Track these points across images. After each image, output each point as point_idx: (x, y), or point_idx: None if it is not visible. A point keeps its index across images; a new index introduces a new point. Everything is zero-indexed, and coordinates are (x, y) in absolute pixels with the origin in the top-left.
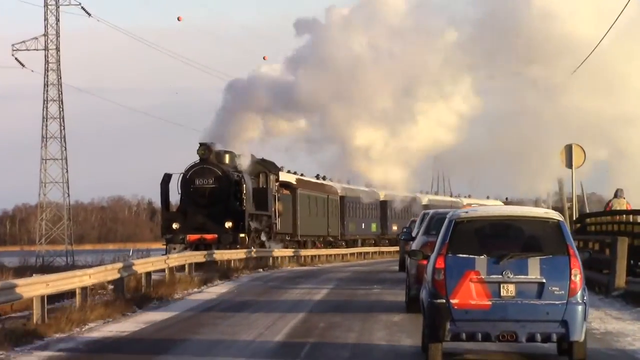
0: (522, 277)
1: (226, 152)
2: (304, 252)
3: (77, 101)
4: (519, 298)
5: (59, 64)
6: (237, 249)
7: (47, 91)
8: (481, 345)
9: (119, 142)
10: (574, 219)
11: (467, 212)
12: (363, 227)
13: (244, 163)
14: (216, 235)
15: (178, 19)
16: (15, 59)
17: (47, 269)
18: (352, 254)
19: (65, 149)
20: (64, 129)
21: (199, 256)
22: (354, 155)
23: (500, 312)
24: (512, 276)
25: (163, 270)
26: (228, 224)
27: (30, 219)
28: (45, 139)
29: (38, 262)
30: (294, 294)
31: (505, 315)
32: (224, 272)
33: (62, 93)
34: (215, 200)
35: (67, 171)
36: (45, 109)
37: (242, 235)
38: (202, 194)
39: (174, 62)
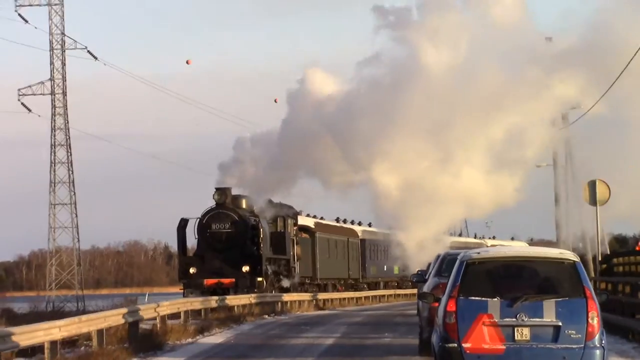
0: (537, 320)
1: (243, 196)
2: (320, 296)
3: (90, 147)
4: (534, 342)
5: (66, 108)
6: (255, 292)
7: (54, 136)
8: None
9: (133, 187)
10: (599, 259)
11: (479, 253)
12: (385, 269)
13: (262, 207)
14: (233, 280)
15: (187, 62)
16: (22, 103)
17: (56, 315)
18: (368, 297)
19: (74, 193)
20: (72, 173)
21: (195, 303)
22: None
23: (514, 357)
24: (526, 319)
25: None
26: (245, 268)
27: (46, 264)
28: (53, 184)
29: (48, 308)
30: (296, 345)
31: (520, 359)
32: (224, 319)
33: (69, 137)
34: (232, 244)
35: (76, 216)
36: (52, 153)
37: (259, 279)
38: (219, 238)
39: (184, 107)
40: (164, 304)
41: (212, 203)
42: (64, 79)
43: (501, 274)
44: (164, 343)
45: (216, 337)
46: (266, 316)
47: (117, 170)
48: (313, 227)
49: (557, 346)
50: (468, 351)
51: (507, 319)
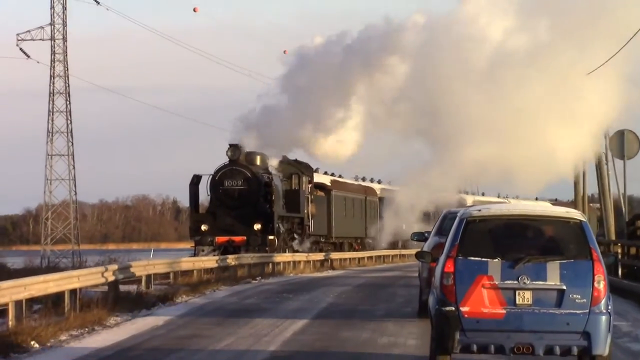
0: (539, 284)
1: (257, 153)
2: (313, 257)
3: (100, 99)
4: (536, 306)
5: (66, 55)
6: (266, 251)
7: (53, 83)
8: (494, 358)
9: (143, 141)
10: (627, 220)
11: (479, 210)
12: (404, 227)
13: (276, 164)
14: (245, 238)
15: (194, 10)
16: (20, 49)
17: (49, 270)
18: (372, 257)
19: (72, 144)
20: (70, 123)
21: (159, 266)
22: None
23: (515, 322)
24: (528, 282)
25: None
26: (257, 226)
27: (56, 218)
28: (51, 134)
29: (44, 263)
30: (246, 335)
31: (520, 325)
32: (196, 284)
33: (69, 85)
34: (244, 202)
35: (73, 167)
36: (51, 102)
37: (271, 237)
38: (231, 195)
39: (194, 59)
40: (134, 264)
41: (224, 159)
42: (64, 24)
43: (503, 233)
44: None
45: (155, 320)
46: (250, 280)
47: (127, 123)
48: (329, 184)
49: (561, 311)
50: (466, 315)
51: (508, 282)
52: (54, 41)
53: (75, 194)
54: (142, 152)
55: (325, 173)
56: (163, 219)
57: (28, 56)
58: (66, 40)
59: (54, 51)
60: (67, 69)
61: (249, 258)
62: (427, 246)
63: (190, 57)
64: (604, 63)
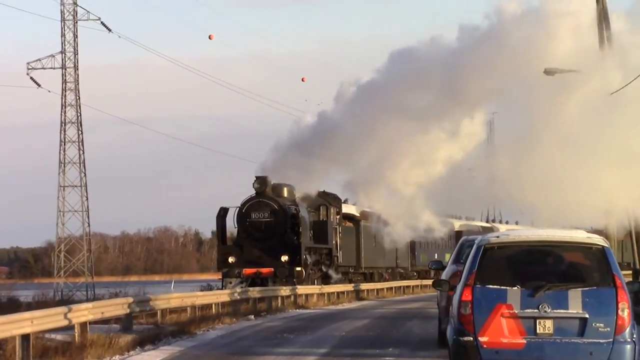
0: (561, 312)
1: (284, 185)
2: (327, 289)
3: (119, 131)
4: (558, 336)
5: (77, 84)
6: (294, 283)
7: (64, 113)
8: None
9: (164, 172)
10: None
11: (498, 237)
12: (436, 257)
13: (304, 196)
14: (272, 269)
15: (210, 37)
16: (31, 78)
17: (63, 303)
18: (400, 288)
19: (85, 174)
20: (83, 153)
21: (118, 306)
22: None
23: (536, 352)
24: (549, 310)
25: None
26: (284, 258)
27: (75, 250)
28: (63, 165)
29: (57, 296)
30: None
31: (542, 355)
32: (186, 323)
33: (80, 114)
34: (272, 233)
35: (87, 199)
36: (62, 132)
37: (298, 268)
38: (258, 227)
39: (212, 88)
40: (79, 307)
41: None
42: (75, 52)
43: (522, 260)
44: None
45: (149, 356)
46: (252, 317)
47: (147, 154)
48: (358, 215)
49: (584, 340)
50: (485, 345)
51: (528, 310)
52: (65, 69)
53: (89, 225)
54: (163, 184)
55: (354, 204)
56: (185, 250)
57: (39, 85)
58: (77, 69)
59: (65, 80)
60: (79, 98)
61: (255, 292)
62: (445, 274)
63: (208, 86)
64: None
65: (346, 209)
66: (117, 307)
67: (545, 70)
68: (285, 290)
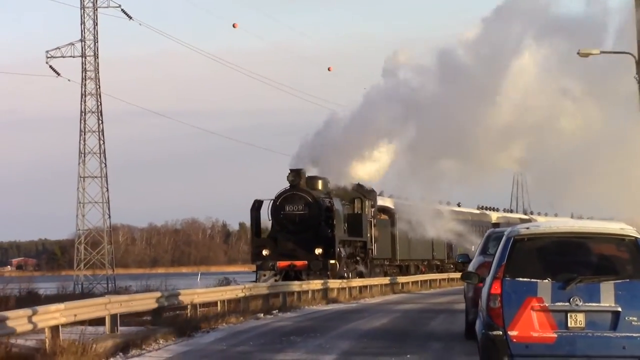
0: (593, 305)
1: (319, 178)
2: (354, 283)
3: (146, 123)
4: (590, 330)
5: (98, 72)
6: (327, 276)
7: (84, 102)
8: None
9: (193, 164)
10: None
11: (527, 228)
12: (473, 249)
13: (339, 188)
14: (306, 262)
15: (234, 25)
16: (50, 66)
17: (84, 296)
18: (427, 281)
19: (105, 165)
20: (103, 143)
21: (96, 307)
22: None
23: (567, 347)
24: (581, 304)
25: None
26: (318, 251)
27: (98, 242)
28: (83, 155)
29: (77, 289)
30: None
31: (573, 350)
32: (183, 324)
33: (100, 104)
34: (306, 226)
35: (107, 190)
36: (82, 121)
37: (332, 261)
38: (292, 220)
39: (245, 81)
40: (47, 310)
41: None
42: (95, 40)
43: (553, 252)
44: None
45: None
46: (261, 315)
47: (177, 147)
48: (393, 207)
49: (616, 334)
50: (515, 340)
51: (559, 304)
52: (85, 58)
53: (109, 217)
54: (192, 176)
55: (391, 196)
56: (212, 242)
57: (58, 74)
58: (97, 57)
59: (85, 68)
60: (99, 87)
61: (263, 288)
62: (471, 266)
63: (234, 77)
64: None
65: (382, 201)
66: (95, 309)
67: (579, 52)
68: (300, 286)
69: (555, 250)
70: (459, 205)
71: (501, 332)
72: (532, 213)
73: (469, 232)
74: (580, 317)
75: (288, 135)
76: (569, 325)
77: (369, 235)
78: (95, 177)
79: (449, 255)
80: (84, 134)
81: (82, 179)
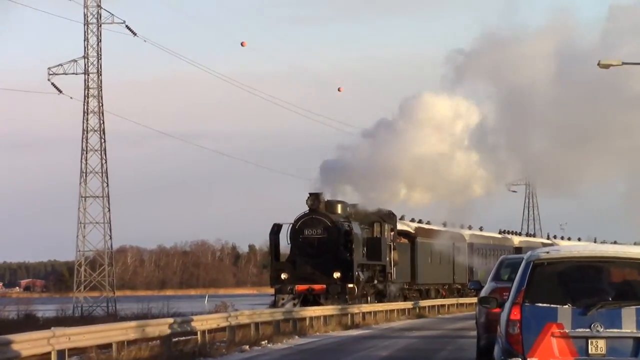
0: (614, 331)
1: (338, 202)
2: (361, 308)
3: (156, 144)
4: (611, 356)
5: (100, 90)
6: (346, 300)
7: (86, 120)
8: None
9: (201, 186)
10: None
11: (547, 252)
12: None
13: (358, 213)
14: (324, 286)
15: (242, 44)
16: (52, 84)
17: (84, 319)
18: (445, 305)
19: (107, 184)
20: (105, 162)
21: (34, 342)
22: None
23: None
24: (602, 330)
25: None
26: (336, 275)
27: (110, 263)
28: (84, 174)
29: (76, 312)
30: None
31: None
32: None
33: (103, 122)
34: (324, 250)
35: (109, 210)
36: (84, 140)
37: (350, 285)
38: (311, 244)
39: (249, 102)
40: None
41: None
42: (98, 56)
43: (573, 277)
44: None
45: None
46: (246, 347)
47: (186, 169)
48: (413, 231)
49: None
50: None
51: (579, 330)
52: (88, 75)
53: (110, 238)
54: (202, 198)
55: (413, 220)
56: (221, 264)
57: (60, 91)
58: (101, 74)
59: (88, 85)
60: (102, 105)
61: (243, 316)
62: (483, 292)
63: (243, 98)
64: None
65: (402, 225)
66: (35, 344)
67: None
68: (276, 314)
69: (576, 275)
70: (481, 229)
71: (520, 359)
72: (555, 237)
73: (491, 256)
74: (602, 344)
75: (304, 157)
76: (589, 352)
77: (388, 259)
78: (97, 196)
79: (469, 279)
80: (86, 153)
81: (83, 198)
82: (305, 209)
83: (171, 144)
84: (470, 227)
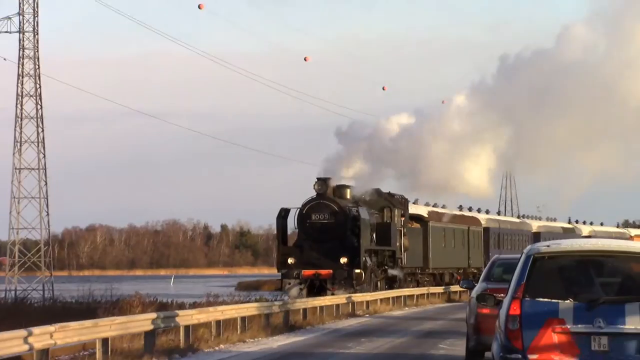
0: (617, 328)
1: (347, 186)
2: (336, 300)
3: (134, 123)
4: (614, 353)
5: (37, 51)
6: (352, 285)
7: (21, 83)
8: None
9: (175, 165)
10: None
11: (548, 246)
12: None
13: (368, 197)
14: (331, 271)
15: (199, 6)
16: None
17: (16, 305)
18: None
19: (44, 155)
20: (42, 131)
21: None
22: None
23: None
24: (604, 326)
25: None
26: (343, 260)
27: (79, 242)
28: (19, 144)
29: (9, 296)
30: None
31: None
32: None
33: (40, 86)
34: (332, 235)
35: (45, 184)
36: (19, 105)
37: (357, 270)
38: (318, 229)
39: (241, 82)
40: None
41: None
42: (35, 13)
43: (575, 272)
44: None
45: None
46: (214, 347)
47: (158, 148)
48: (426, 215)
49: None
50: None
51: (581, 326)
52: (23, 34)
53: (47, 214)
54: (175, 177)
55: (427, 204)
56: (193, 244)
57: None
58: (37, 33)
59: (23, 46)
60: (39, 68)
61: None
62: (474, 292)
63: (222, 76)
64: None
65: (414, 209)
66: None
67: None
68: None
69: (578, 269)
70: (498, 213)
71: (520, 356)
72: (576, 222)
73: (507, 241)
74: (604, 340)
75: (277, 136)
76: (592, 348)
77: (398, 244)
78: (33, 168)
79: (485, 263)
80: (21, 120)
81: (17, 170)
82: (313, 193)
83: (144, 122)
84: (487, 212)
